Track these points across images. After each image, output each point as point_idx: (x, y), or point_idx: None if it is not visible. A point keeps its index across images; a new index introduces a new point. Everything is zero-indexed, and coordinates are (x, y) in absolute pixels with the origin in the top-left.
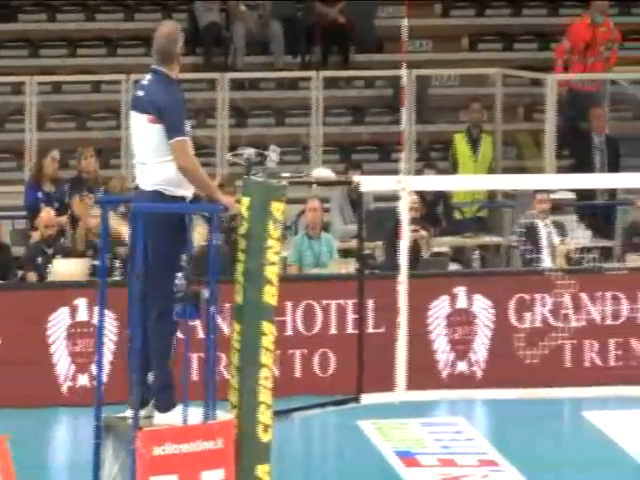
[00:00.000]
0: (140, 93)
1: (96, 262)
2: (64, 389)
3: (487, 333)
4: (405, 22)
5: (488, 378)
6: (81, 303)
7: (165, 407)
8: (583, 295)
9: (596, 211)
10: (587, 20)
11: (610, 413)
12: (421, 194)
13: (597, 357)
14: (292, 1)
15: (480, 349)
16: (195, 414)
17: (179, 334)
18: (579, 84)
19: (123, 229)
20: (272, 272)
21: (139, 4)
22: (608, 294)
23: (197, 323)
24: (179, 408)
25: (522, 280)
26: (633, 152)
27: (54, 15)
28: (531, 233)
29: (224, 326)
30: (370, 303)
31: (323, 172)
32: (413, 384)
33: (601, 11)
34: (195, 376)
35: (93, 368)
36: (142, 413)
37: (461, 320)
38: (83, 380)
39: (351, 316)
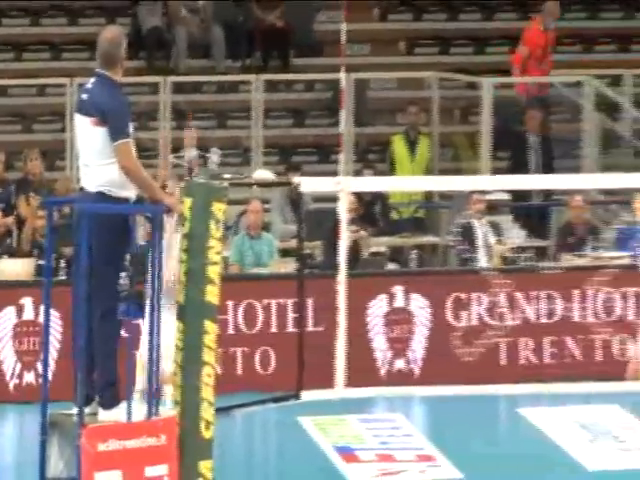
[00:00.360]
0: (84, 96)
1: (42, 262)
2: (10, 387)
3: (424, 331)
4: (344, 26)
5: (425, 375)
6: (27, 302)
7: (109, 404)
8: (518, 294)
9: (531, 211)
10: (540, 25)
11: (544, 410)
12: (359, 195)
13: (532, 355)
14: (233, 5)
15: (417, 347)
16: (139, 411)
17: (123, 333)
18: (536, 89)
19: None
20: (214, 271)
21: (83, 9)
22: (543, 293)
23: (140, 321)
24: (123, 405)
25: (458, 279)
26: (568, 154)
27: None
28: (467, 233)
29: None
30: (310, 302)
31: (264, 174)
32: (352, 381)
33: (554, 17)
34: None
35: (39, 366)
36: (87, 410)
37: (399, 319)
38: (29, 378)
39: (291, 315)
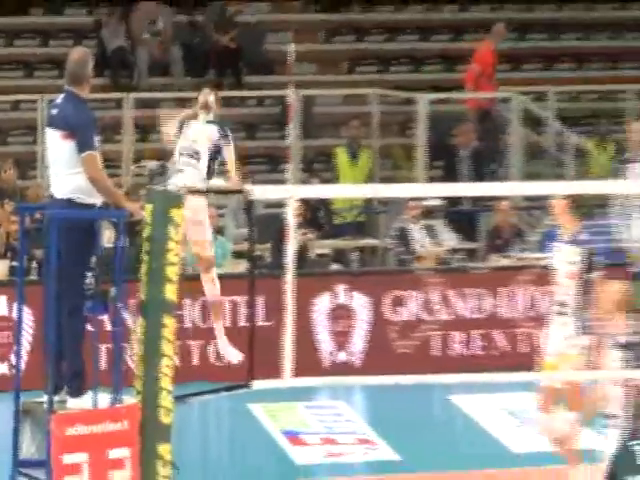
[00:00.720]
0: (54, 112)
1: (15, 263)
2: None
3: (365, 326)
4: (292, 47)
5: (365, 366)
6: (1, 300)
7: (77, 393)
8: (450, 292)
9: (462, 216)
10: (491, 46)
11: (473, 397)
12: (305, 201)
13: (463, 347)
14: (190, 28)
15: (358, 341)
16: (104, 399)
17: (89, 327)
18: (487, 103)
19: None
20: (172, 271)
21: (53, 32)
22: (473, 291)
23: (105, 318)
24: (89, 394)
25: (396, 278)
26: (497, 164)
27: None
28: (404, 236)
29: (129, 320)
30: (260, 300)
31: (218, 182)
32: (299, 371)
33: (503, 37)
34: (103, 365)
35: (12, 358)
36: (56, 398)
37: (341, 314)
38: (3, 369)
39: (243, 311)
